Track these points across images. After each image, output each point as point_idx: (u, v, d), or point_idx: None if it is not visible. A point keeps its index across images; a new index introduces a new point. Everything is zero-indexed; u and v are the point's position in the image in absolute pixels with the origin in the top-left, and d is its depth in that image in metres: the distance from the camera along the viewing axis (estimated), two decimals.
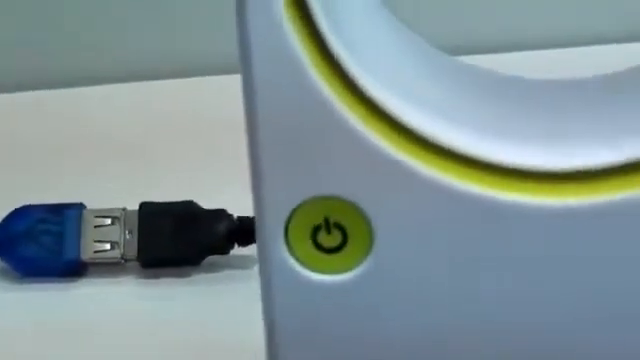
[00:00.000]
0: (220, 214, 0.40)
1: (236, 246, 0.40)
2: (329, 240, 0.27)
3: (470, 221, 0.27)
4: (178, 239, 0.41)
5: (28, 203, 0.42)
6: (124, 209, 0.42)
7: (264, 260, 0.28)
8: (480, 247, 0.28)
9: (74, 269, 0.41)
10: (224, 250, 0.40)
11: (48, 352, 0.39)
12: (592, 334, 0.28)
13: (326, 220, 0.27)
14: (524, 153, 0.28)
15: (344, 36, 0.27)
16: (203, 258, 0.40)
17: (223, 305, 0.38)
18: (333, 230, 0.27)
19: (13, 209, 0.42)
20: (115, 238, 0.41)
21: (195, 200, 0.40)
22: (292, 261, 0.28)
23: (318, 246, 0.28)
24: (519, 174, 0.27)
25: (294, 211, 0.27)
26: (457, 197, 0.27)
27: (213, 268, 0.40)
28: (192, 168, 0.43)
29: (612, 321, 0.28)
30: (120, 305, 0.41)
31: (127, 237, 0.41)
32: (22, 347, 0.39)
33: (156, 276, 0.42)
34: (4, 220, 0.42)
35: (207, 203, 0.40)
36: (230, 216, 0.40)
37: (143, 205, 0.41)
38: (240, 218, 0.39)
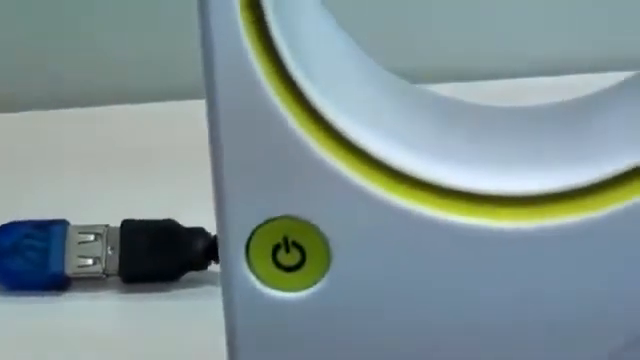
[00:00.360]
0: (198, 232, 0.40)
1: (213, 263, 0.39)
2: (288, 259, 0.28)
3: (422, 241, 0.27)
4: (158, 255, 0.41)
5: (14, 219, 0.42)
6: (107, 226, 0.42)
7: (226, 277, 0.28)
8: (432, 266, 0.28)
9: (58, 283, 0.41)
10: (202, 266, 0.40)
11: None
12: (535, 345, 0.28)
13: (285, 239, 0.27)
14: (476, 177, 0.28)
15: (305, 64, 0.27)
16: (182, 274, 0.40)
17: (201, 318, 0.38)
18: (292, 249, 0.27)
19: (3, 224, 0.42)
20: (98, 254, 0.41)
21: (175, 218, 0.40)
22: (253, 279, 0.28)
23: (278, 264, 0.28)
24: (470, 197, 0.27)
25: (255, 230, 0.27)
26: (409, 218, 0.27)
27: (191, 283, 0.40)
28: (173, 187, 0.43)
29: (553, 330, 0.28)
30: (102, 318, 0.41)
31: (109, 253, 0.41)
32: (6, 358, 0.39)
33: (137, 291, 0.41)
34: None
35: (186, 221, 0.40)
36: (208, 234, 0.40)
37: (125, 222, 0.41)
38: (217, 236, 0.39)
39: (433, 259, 0.27)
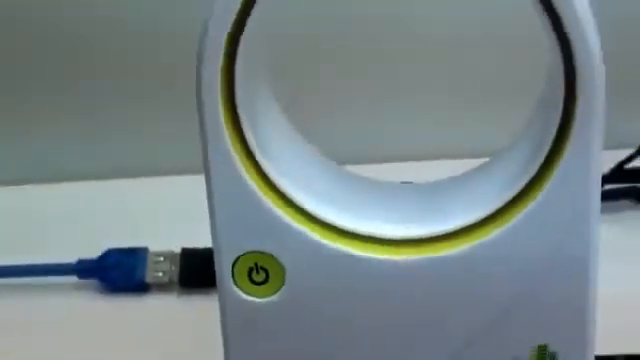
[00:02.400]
0: None
1: None
2: (258, 277, 0.27)
3: (342, 268, 0.27)
4: (203, 270, 0.40)
5: (115, 247, 0.42)
6: (172, 252, 0.42)
7: (220, 289, 0.27)
8: (349, 282, 0.27)
9: (141, 287, 0.41)
10: None
11: (124, 342, 0.39)
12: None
13: (256, 264, 0.27)
14: (378, 228, 0.27)
15: (271, 158, 0.27)
16: None
17: None
18: (260, 271, 0.27)
19: (107, 249, 0.42)
20: (165, 269, 0.41)
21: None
22: (237, 290, 0.27)
23: (251, 280, 0.27)
24: (375, 240, 0.27)
25: (236, 260, 0.27)
26: (334, 253, 0.27)
27: None
28: None
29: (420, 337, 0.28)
30: (167, 310, 0.41)
31: (172, 269, 0.41)
32: (107, 338, 0.39)
33: (189, 293, 0.41)
34: (100, 256, 0.42)
35: None
36: None
37: (183, 249, 0.42)
38: None
39: (350, 278, 0.27)
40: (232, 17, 0.24)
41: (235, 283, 0.27)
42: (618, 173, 0.43)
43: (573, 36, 0.24)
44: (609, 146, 0.39)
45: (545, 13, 0.24)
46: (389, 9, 0.46)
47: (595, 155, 0.26)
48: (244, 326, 0.28)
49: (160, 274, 0.41)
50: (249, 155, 0.26)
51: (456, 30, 0.47)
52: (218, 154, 0.26)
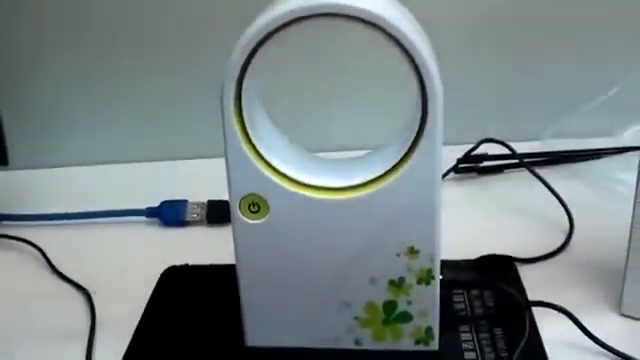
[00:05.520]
0: None
1: None
2: (253, 209, 0.29)
3: (304, 205, 0.29)
4: (220, 213, 0.42)
5: (167, 199, 0.43)
6: (202, 202, 0.42)
7: (233, 217, 0.29)
8: (309, 214, 0.29)
9: (183, 223, 0.42)
10: None
11: (173, 255, 0.38)
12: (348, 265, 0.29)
13: (252, 201, 0.29)
14: (326, 180, 0.29)
15: (264, 143, 0.29)
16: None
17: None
18: (255, 205, 0.29)
19: (162, 200, 0.43)
20: (198, 212, 0.42)
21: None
22: (242, 216, 0.29)
23: (250, 211, 0.29)
24: (324, 188, 0.29)
25: (241, 199, 0.29)
26: (296, 195, 0.29)
27: None
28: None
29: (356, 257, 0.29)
30: (199, 236, 0.41)
31: (202, 212, 0.42)
32: (163, 252, 0.39)
33: (212, 227, 0.42)
34: (160, 204, 0.43)
35: None
36: None
37: (209, 201, 0.43)
38: None
39: (306, 209, 0.29)
40: (238, 70, 0.27)
41: (241, 212, 0.29)
42: (467, 157, 0.46)
43: (422, 71, 0.26)
44: (461, 141, 0.44)
45: (409, 61, 0.27)
46: None
47: (438, 147, 0.28)
48: (246, 238, 0.29)
49: (195, 215, 0.42)
50: (249, 140, 0.29)
51: None
52: (232, 140, 0.28)
